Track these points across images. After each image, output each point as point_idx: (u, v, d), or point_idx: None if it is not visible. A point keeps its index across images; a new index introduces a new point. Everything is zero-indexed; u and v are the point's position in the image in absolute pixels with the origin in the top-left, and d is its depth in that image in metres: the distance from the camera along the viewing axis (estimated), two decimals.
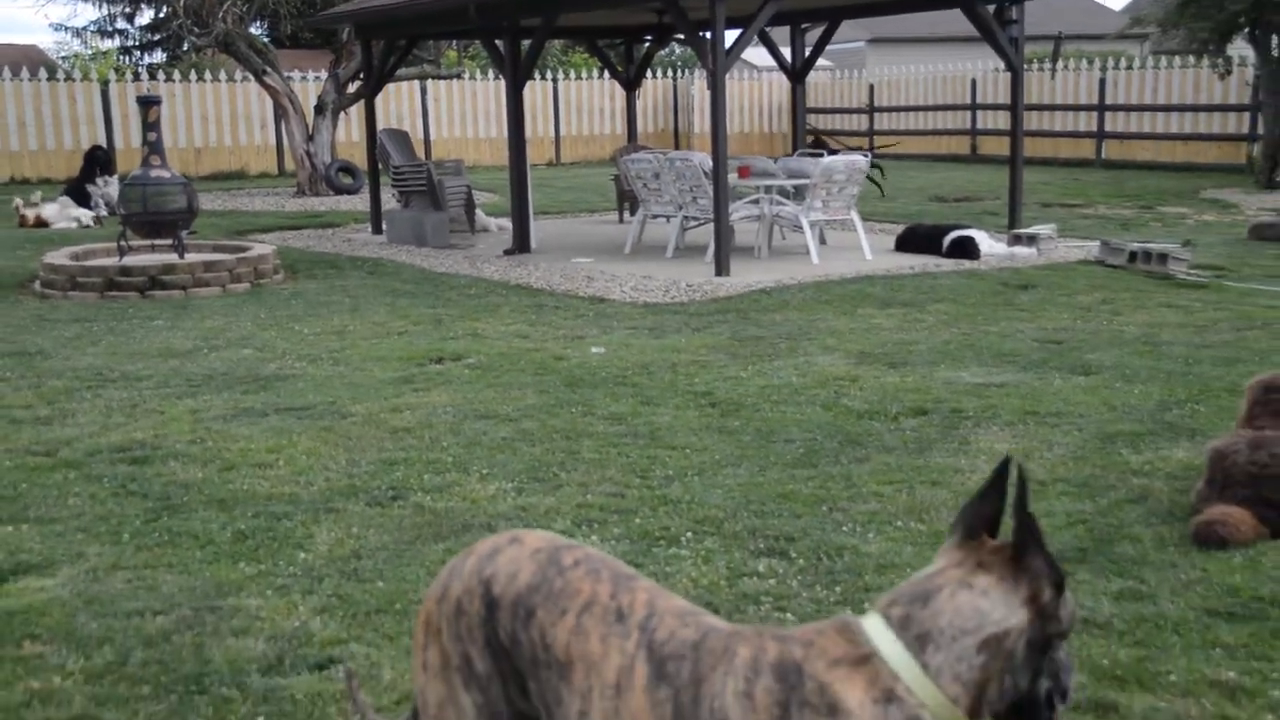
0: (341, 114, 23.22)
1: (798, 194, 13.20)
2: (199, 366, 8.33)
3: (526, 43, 14.03)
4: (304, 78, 26.46)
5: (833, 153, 16.33)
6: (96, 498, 5.53)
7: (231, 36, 21.68)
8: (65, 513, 5.34)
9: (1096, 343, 8.59)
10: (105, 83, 25.78)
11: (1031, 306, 10.13)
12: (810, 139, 23.31)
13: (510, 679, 2.28)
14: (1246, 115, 22.97)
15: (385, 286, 11.81)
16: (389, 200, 16.75)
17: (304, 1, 25.65)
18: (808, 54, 17.30)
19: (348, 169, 22.66)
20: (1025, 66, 16.72)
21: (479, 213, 16.16)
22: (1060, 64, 26.84)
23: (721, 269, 11.85)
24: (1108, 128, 25.66)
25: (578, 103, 30.94)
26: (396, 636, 4.02)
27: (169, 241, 12.06)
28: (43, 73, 25.30)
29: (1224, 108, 23.57)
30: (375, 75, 17.15)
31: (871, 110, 30.77)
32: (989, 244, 12.98)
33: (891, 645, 1.93)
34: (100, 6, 37.72)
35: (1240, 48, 21.75)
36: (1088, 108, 25.97)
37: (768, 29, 14.41)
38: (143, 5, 34.75)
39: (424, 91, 28.57)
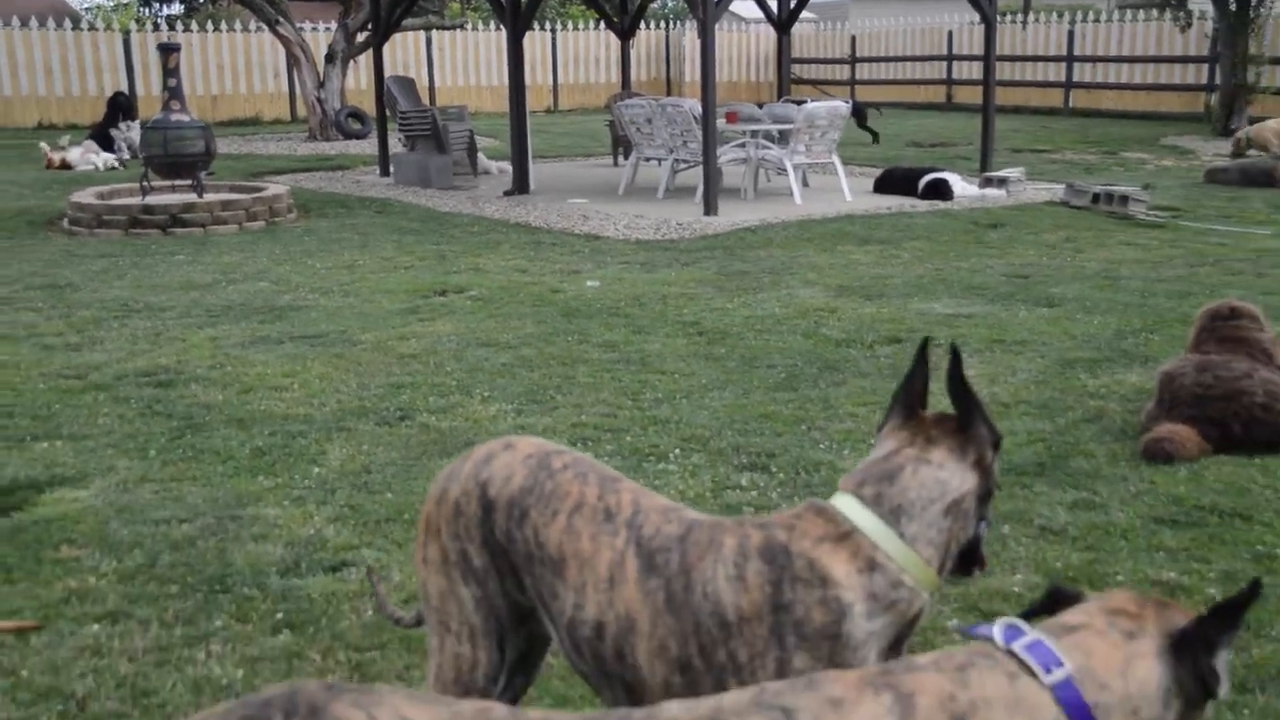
0: (350, 63, 23.01)
1: (782, 138, 13.15)
2: (218, 298, 8.35)
3: None
4: (315, 28, 26.20)
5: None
6: (125, 417, 5.58)
7: None
8: (96, 430, 5.39)
9: (1060, 277, 8.63)
10: (126, 33, 25.53)
11: (1000, 244, 10.15)
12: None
13: (506, 574, 2.31)
14: (1205, 67, 22.82)
15: (392, 225, 11.79)
16: (396, 144, 16.65)
17: None
18: (793, 6, 17.16)
19: (357, 115, 22.49)
20: (999, 19, 16.62)
21: (481, 156, 16.08)
22: (1031, 17, 26.61)
23: (710, 209, 11.83)
24: (1075, 78, 25.51)
25: (574, 52, 30.70)
26: (404, 543, 4.08)
27: (189, 182, 12.01)
28: (67, 23, 25.05)
29: (1184, 59, 23.42)
30: (382, 25, 17.00)
31: (854, 61, 30.54)
32: (962, 186, 12.98)
33: (870, 520, 2.00)
34: None
35: (1200, 2, 21.59)
36: (1057, 59, 25.80)
37: None
38: None
39: (429, 42, 28.33)
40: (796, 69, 29.13)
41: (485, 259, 9.78)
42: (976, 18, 15.18)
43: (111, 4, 39.14)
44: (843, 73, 30.74)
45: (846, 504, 2.03)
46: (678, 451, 5.01)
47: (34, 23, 24.32)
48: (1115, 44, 24.98)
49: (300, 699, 1.40)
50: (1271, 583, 3.72)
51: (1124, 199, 11.71)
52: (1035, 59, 26.23)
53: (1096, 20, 25.74)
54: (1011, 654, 1.56)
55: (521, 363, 6.48)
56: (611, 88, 28.34)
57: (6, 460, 5.01)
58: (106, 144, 18.67)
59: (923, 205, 12.42)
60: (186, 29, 26.21)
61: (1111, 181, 13.50)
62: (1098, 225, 11.07)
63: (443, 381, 6.12)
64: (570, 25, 30.98)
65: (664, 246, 10.28)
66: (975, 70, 24.51)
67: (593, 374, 6.22)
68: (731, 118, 13.18)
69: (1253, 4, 19.46)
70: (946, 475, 2.03)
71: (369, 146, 19.93)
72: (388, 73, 18.07)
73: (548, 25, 30.38)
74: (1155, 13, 23.15)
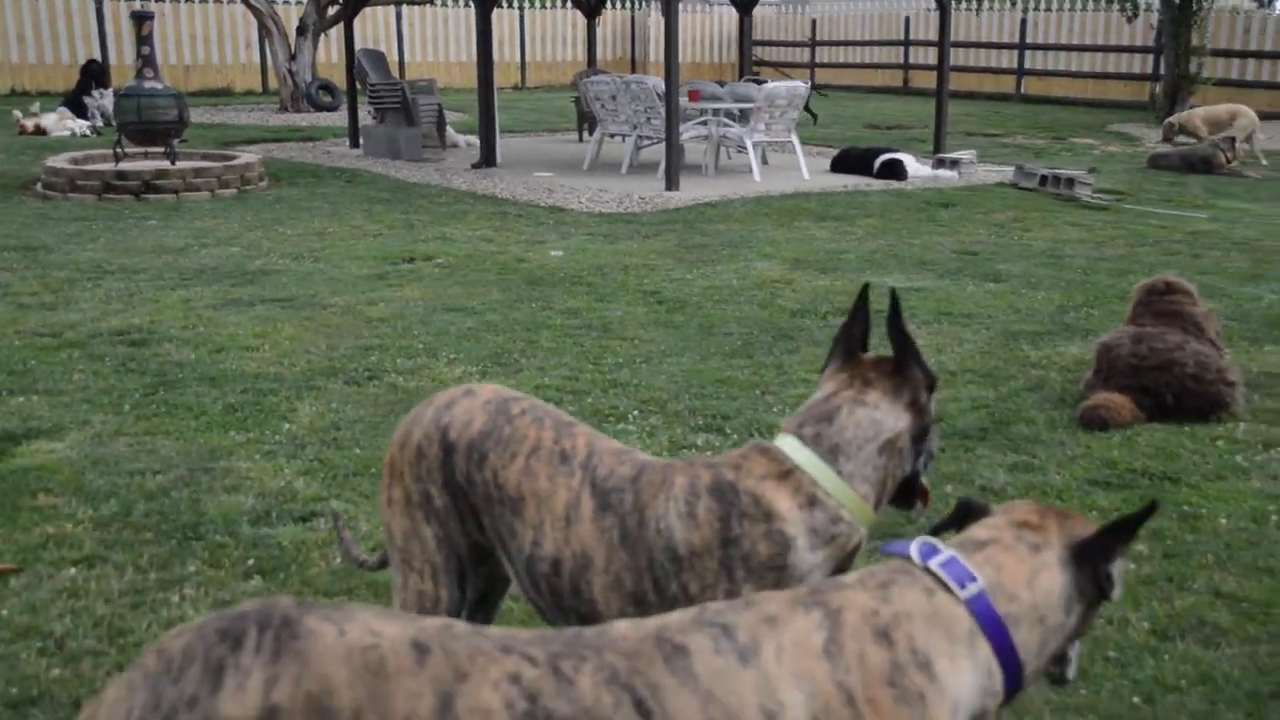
0: (322, 36, 22.79)
1: (743, 117, 13.19)
2: (190, 262, 8.32)
3: None
4: (286, 1, 25.95)
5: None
6: (99, 374, 5.58)
7: None
8: (71, 386, 5.39)
9: (1007, 255, 8.74)
10: (99, 1, 25.16)
11: (951, 222, 10.25)
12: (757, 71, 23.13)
13: (466, 515, 2.35)
14: (1150, 57, 23.03)
15: (362, 194, 11.75)
16: (366, 117, 16.54)
17: None
18: None
19: (327, 87, 22.30)
20: (954, 6, 16.71)
21: (449, 129, 16.02)
22: (986, 4, 26.72)
23: (671, 184, 11.87)
24: (1027, 65, 25.67)
25: (542, 30, 30.55)
26: (371, 495, 4.12)
27: (161, 149, 11.92)
28: None
29: (1131, 49, 23.62)
30: None
31: (813, 44, 30.56)
32: (915, 166, 13.08)
33: (809, 459, 2.07)
34: None
35: None
36: (1009, 46, 25.94)
37: None
38: None
39: (399, 16, 28.09)
40: (758, 51, 29.15)
41: (452, 228, 9.78)
42: (933, 4, 15.25)
43: None
44: (803, 55, 30.76)
45: (788, 444, 2.10)
46: (636, 413, 5.08)
47: None
48: (1066, 33, 25.14)
49: (274, 612, 1.45)
50: (1195, 540, 3.83)
51: (1070, 182, 11.85)
52: (989, 46, 26.37)
53: (1049, 9, 25.88)
54: (929, 571, 1.64)
55: (487, 327, 6.52)
56: (578, 66, 28.20)
57: None
58: (80, 111, 18.44)
59: (877, 184, 12.50)
60: None
61: (1059, 165, 13.65)
62: (1045, 206, 11.20)
63: (410, 344, 6.15)
64: (538, 4, 30.81)
65: (626, 219, 10.32)
66: (931, 55, 24.64)
67: (555, 339, 6.27)
68: (694, 96, 13.20)
69: None
70: (881, 416, 2.10)
71: (339, 119, 19.80)
72: (358, 46, 17.93)
73: (516, 3, 30.21)
74: (1104, 2, 23.29)
